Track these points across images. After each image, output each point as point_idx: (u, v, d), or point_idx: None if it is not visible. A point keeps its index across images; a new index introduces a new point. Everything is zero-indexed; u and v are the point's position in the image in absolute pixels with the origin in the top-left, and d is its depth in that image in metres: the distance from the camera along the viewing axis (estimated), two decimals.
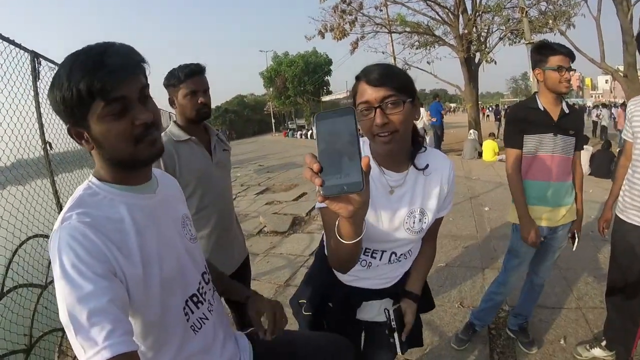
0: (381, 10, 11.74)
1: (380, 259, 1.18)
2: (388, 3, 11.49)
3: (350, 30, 11.34)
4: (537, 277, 2.17)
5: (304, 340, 1.23)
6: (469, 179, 7.25)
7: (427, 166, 1.11)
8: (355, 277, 1.24)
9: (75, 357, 0.66)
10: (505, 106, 19.31)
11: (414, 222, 1.12)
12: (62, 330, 2.53)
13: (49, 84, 0.76)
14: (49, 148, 2.74)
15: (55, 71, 0.76)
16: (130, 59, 0.77)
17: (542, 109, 1.87)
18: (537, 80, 1.89)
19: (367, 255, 1.18)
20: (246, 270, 1.99)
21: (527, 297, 2.26)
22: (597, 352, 2.09)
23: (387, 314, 1.19)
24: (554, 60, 1.78)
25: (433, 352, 2.30)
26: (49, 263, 2.53)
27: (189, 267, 0.93)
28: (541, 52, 1.83)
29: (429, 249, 1.31)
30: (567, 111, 1.88)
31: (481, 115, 15.54)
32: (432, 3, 10.89)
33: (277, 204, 6.39)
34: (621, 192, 1.90)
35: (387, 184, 1.10)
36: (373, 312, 1.30)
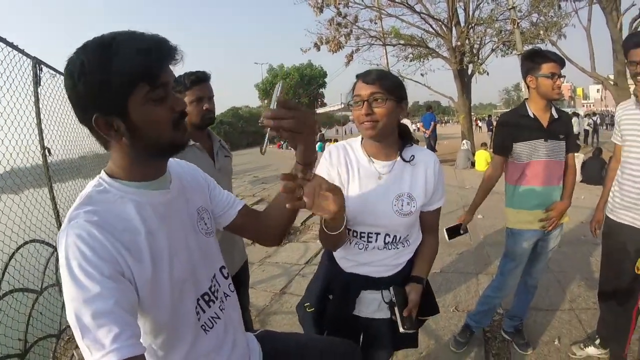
0: (376, 24, 12.00)
1: (376, 241, 1.28)
2: (383, 16, 11.73)
3: (346, 42, 11.49)
4: (530, 278, 2.21)
5: (312, 343, 1.24)
6: (462, 188, 7.29)
7: (412, 157, 1.27)
8: (355, 263, 1.31)
9: None
10: (497, 117, 19.75)
11: (402, 205, 1.24)
12: (57, 336, 2.52)
13: (69, 74, 0.70)
14: (47, 154, 2.76)
15: (77, 61, 0.70)
16: (171, 47, 0.75)
17: (532, 116, 1.93)
18: (529, 87, 1.94)
19: (364, 240, 1.28)
20: (245, 274, 2.02)
21: (521, 298, 2.30)
22: (591, 350, 2.12)
23: (390, 291, 1.24)
24: (547, 67, 1.84)
25: (430, 355, 2.32)
26: (45, 269, 2.56)
27: (201, 265, 0.91)
28: (534, 60, 1.88)
29: (431, 239, 1.40)
30: (556, 116, 1.94)
31: (474, 126, 15.72)
32: (426, 16, 11.11)
33: None
34: (611, 194, 1.95)
35: (376, 171, 1.27)
36: (372, 307, 1.33)
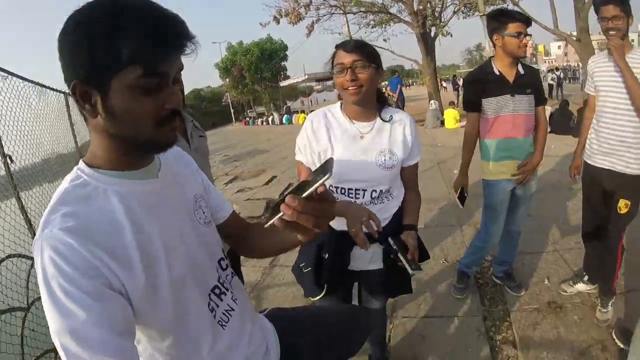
0: None
1: (363, 197, 1.38)
2: None
3: (306, 13, 11.23)
4: (513, 225, 2.32)
5: (323, 311, 1.26)
6: (434, 146, 7.44)
7: (391, 117, 1.39)
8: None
9: None
10: (461, 77, 20.25)
11: (384, 159, 1.35)
12: (54, 350, 2.43)
13: (64, 27, 0.61)
14: (9, 161, 2.58)
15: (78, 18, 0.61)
16: (187, 35, 0.64)
17: (498, 72, 1.99)
18: (495, 46, 1.98)
19: (351, 196, 1.38)
20: (235, 253, 2.01)
21: (507, 245, 2.41)
22: (580, 286, 2.26)
23: (389, 241, 1.33)
24: (513, 27, 1.87)
25: (427, 305, 2.41)
26: (27, 283, 2.44)
27: (204, 258, 0.83)
28: (499, 20, 1.92)
29: (413, 194, 1.51)
30: (522, 72, 2.00)
31: (439, 86, 15.96)
32: None
33: (248, 191, 6.32)
34: (588, 141, 2.05)
35: (358, 131, 1.37)
36: (365, 259, 1.45)
